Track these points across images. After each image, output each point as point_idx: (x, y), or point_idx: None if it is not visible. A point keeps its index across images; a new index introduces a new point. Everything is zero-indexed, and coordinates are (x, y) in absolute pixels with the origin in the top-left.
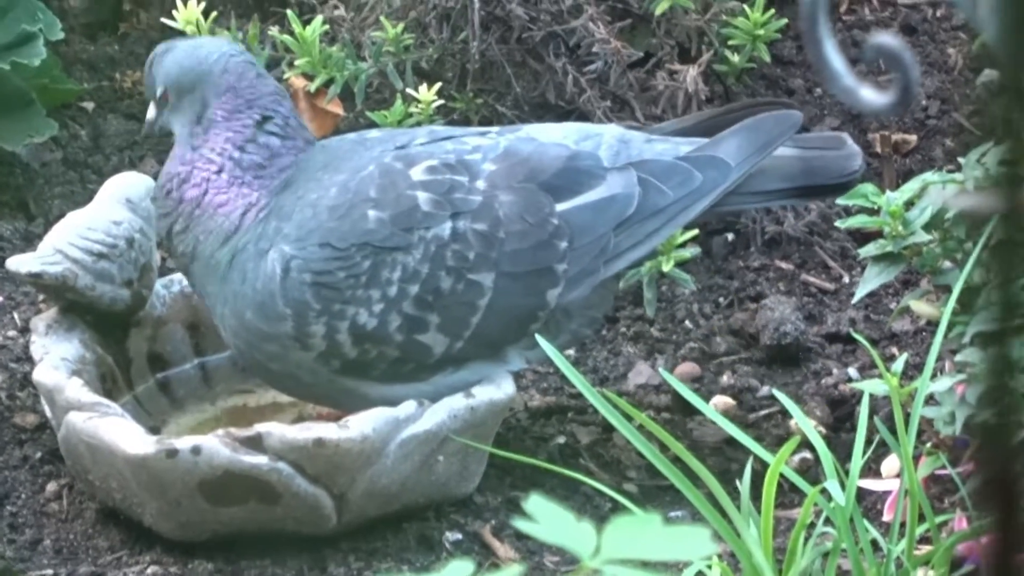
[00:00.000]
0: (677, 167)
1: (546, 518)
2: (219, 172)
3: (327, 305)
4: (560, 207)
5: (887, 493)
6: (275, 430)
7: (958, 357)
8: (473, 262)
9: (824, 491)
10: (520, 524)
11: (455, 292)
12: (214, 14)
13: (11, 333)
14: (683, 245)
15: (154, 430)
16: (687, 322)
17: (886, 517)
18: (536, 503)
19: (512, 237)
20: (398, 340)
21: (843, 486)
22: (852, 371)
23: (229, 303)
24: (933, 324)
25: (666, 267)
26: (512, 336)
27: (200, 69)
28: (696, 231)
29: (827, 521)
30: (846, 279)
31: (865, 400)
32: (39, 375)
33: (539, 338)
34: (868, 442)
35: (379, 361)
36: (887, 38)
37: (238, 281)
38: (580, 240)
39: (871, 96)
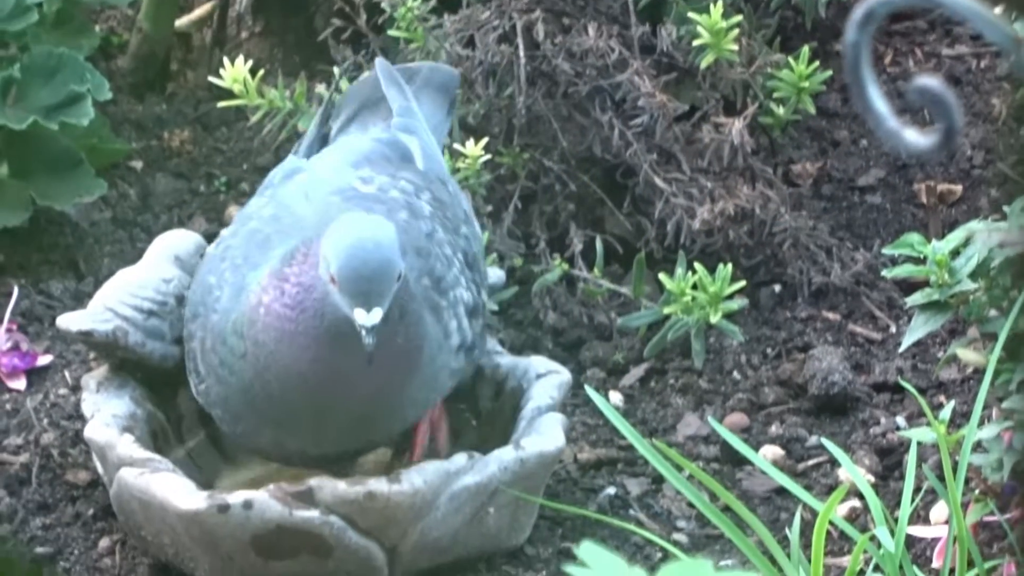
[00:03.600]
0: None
1: (599, 565)
2: None
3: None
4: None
5: (936, 540)
6: (327, 484)
7: (1005, 404)
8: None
9: (874, 538)
10: (573, 571)
11: (469, 239)
12: (261, 72)
13: (62, 391)
14: (731, 296)
15: (206, 485)
16: (735, 373)
17: (935, 564)
18: (589, 550)
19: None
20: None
21: (892, 533)
22: (900, 420)
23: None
24: (980, 372)
25: (714, 319)
26: None
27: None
28: (743, 283)
29: (877, 568)
30: (893, 328)
31: (913, 448)
32: (91, 432)
33: (589, 389)
34: (917, 490)
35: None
36: (929, 80)
37: None
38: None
39: (915, 138)
